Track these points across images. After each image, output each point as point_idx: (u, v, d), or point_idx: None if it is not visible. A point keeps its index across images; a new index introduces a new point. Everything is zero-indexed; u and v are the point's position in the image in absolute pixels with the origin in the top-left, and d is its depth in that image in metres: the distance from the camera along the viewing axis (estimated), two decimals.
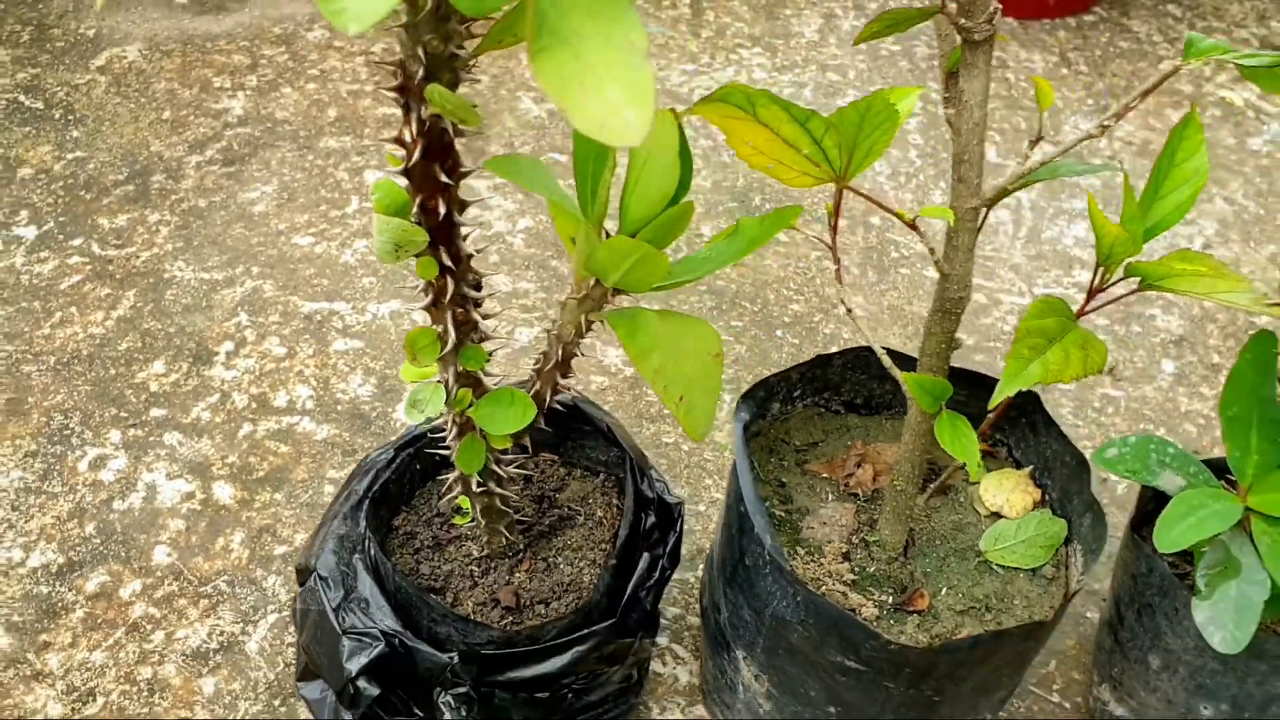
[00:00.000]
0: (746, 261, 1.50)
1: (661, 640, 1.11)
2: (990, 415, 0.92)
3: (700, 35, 1.87)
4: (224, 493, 1.20)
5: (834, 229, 0.89)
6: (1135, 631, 0.96)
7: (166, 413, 1.27)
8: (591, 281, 0.75)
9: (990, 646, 0.82)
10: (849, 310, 0.90)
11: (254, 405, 1.29)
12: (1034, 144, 0.77)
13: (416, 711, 0.92)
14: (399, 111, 0.68)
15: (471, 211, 1.54)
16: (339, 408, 1.29)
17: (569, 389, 1.05)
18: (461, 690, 0.88)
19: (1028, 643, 0.84)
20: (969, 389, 0.97)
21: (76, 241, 1.46)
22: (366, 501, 0.96)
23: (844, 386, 1.03)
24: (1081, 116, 1.72)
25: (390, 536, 0.99)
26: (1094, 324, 1.43)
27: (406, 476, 1.01)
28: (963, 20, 0.67)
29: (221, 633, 1.09)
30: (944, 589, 0.91)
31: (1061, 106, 1.74)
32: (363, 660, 0.87)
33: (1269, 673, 0.88)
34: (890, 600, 0.90)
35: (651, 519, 0.98)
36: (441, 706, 0.89)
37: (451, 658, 0.87)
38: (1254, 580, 0.83)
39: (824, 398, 1.04)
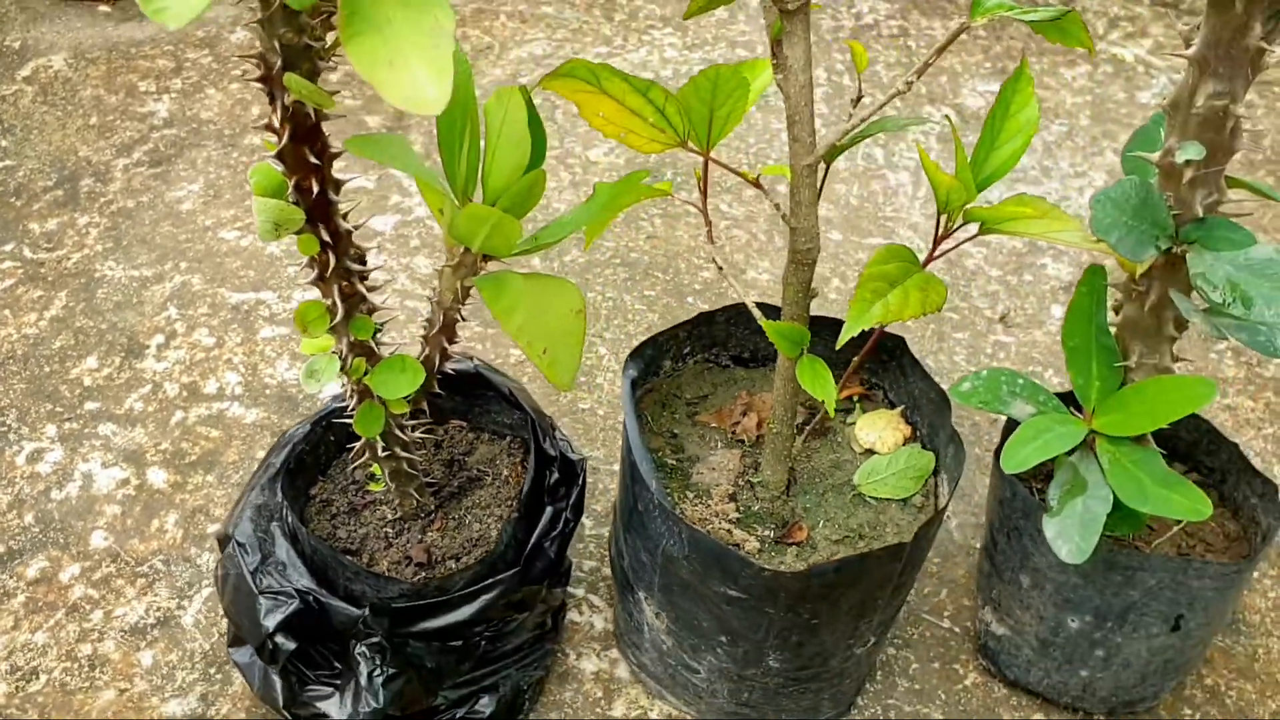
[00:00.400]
0: (659, 233, 1.56)
1: (579, 591, 1.17)
2: (856, 359, 0.98)
3: (613, 19, 1.92)
4: (158, 478, 1.26)
5: (704, 193, 0.96)
6: (1007, 554, 1.03)
7: (100, 405, 1.33)
8: (461, 249, 0.81)
9: (855, 568, 0.89)
10: (720, 268, 0.97)
11: (185, 394, 1.34)
12: (855, 102, 0.83)
13: (336, 665, 0.98)
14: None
15: (394, 198, 1.60)
16: (267, 392, 1.35)
17: (471, 357, 1.11)
18: (374, 640, 0.94)
19: (892, 564, 0.91)
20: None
21: (8, 247, 1.51)
22: (282, 472, 1.02)
23: (730, 342, 1.10)
24: (979, 79, 1.79)
25: (308, 504, 1.05)
26: (989, 275, 1.50)
27: (322, 448, 1.07)
28: None
29: (158, 608, 1.15)
30: (821, 522, 0.98)
31: (960, 70, 1.81)
32: (278, 617, 0.93)
33: (1123, 583, 0.96)
34: (771, 534, 0.97)
35: (555, 476, 1.05)
36: (357, 657, 0.95)
37: (363, 611, 0.93)
38: (1098, 496, 0.90)
39: (713, 353, 1.10)
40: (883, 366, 1.07)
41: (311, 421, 1.07)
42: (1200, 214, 0.83)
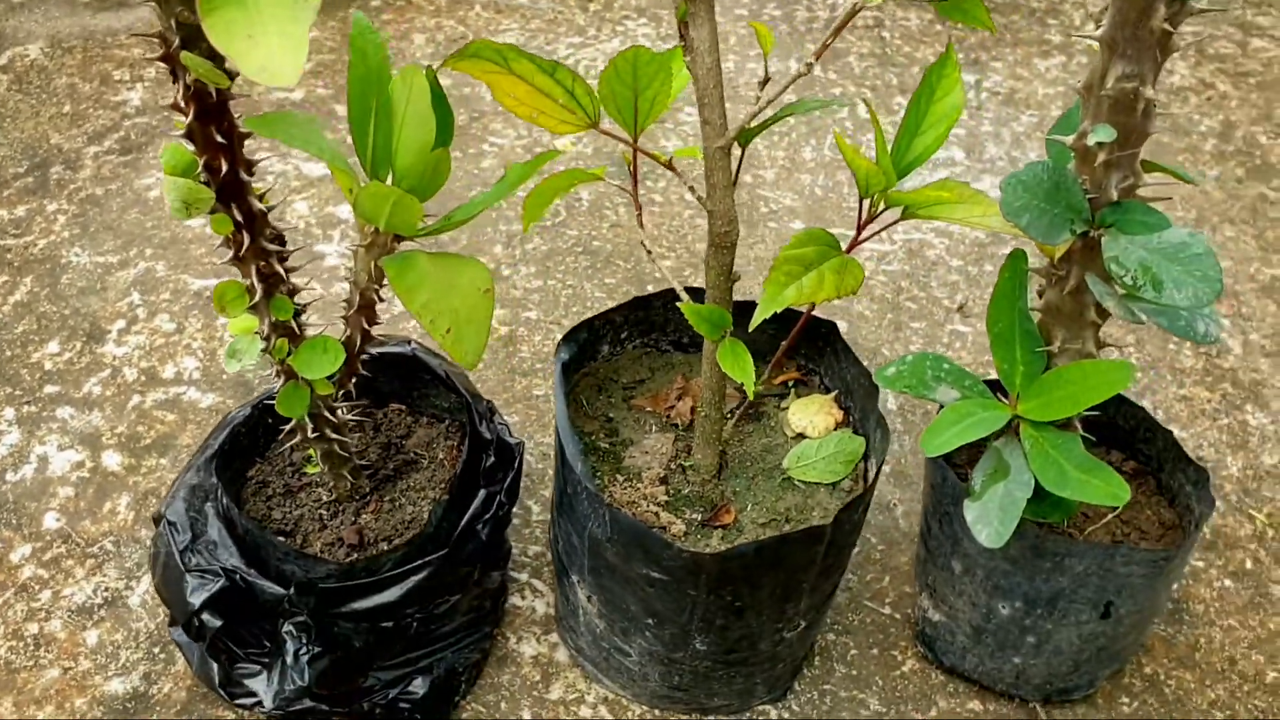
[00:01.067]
0: (622, 221, 1.56)
1: (522, 575, 1.17)
2: (783, 344, 0.98)
3: (588, 9, 1.93)
4: (112, 460, 1.27)
5: (634, 176, 0.96)
6: (939, 540, 1.03)
7: (59, 389, 1.34)
8: (373, 229, 0.81)
9: (774, 551, 0.89)
10: (649, 253, 0.97)
11: (143, 378, 1.36)
12: (763, 84, 0.83)
13: (266, 644, 0.99)
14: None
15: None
16: (224, 377, 1.36)
17: (410, 341, 1.12)
18: (300, 620, 0.95)
19: (812, 547, 0.91)
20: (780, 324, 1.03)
21: None
22: (218, 453, 1.03)
23: (669, 327, 1.10)
24: None
25: (245, 485, 1.05)
26: (949, 265, 1.50)
27: (261, 430, 1.08)
28: None
29: (106, 589, 1.16)
30: (750, 505, 0.98)
31: (933, 59, 1.80)
32: (204, 595, 0.94)
33: (1052, 570, 0.96)
34: (699, 518, 0.97)
35: (491, 459, 1.05)
36: (284, 636, 0.96)
37: (289, 591, 0.94)
38: (1020, 480, 0.90)
39: (652, 338, 1.11)
40: (819, 352, 1.07)
41: (254, 405, 1.08)
42: (1115, 197, 0.82)
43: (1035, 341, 0.92)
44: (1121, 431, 1.07)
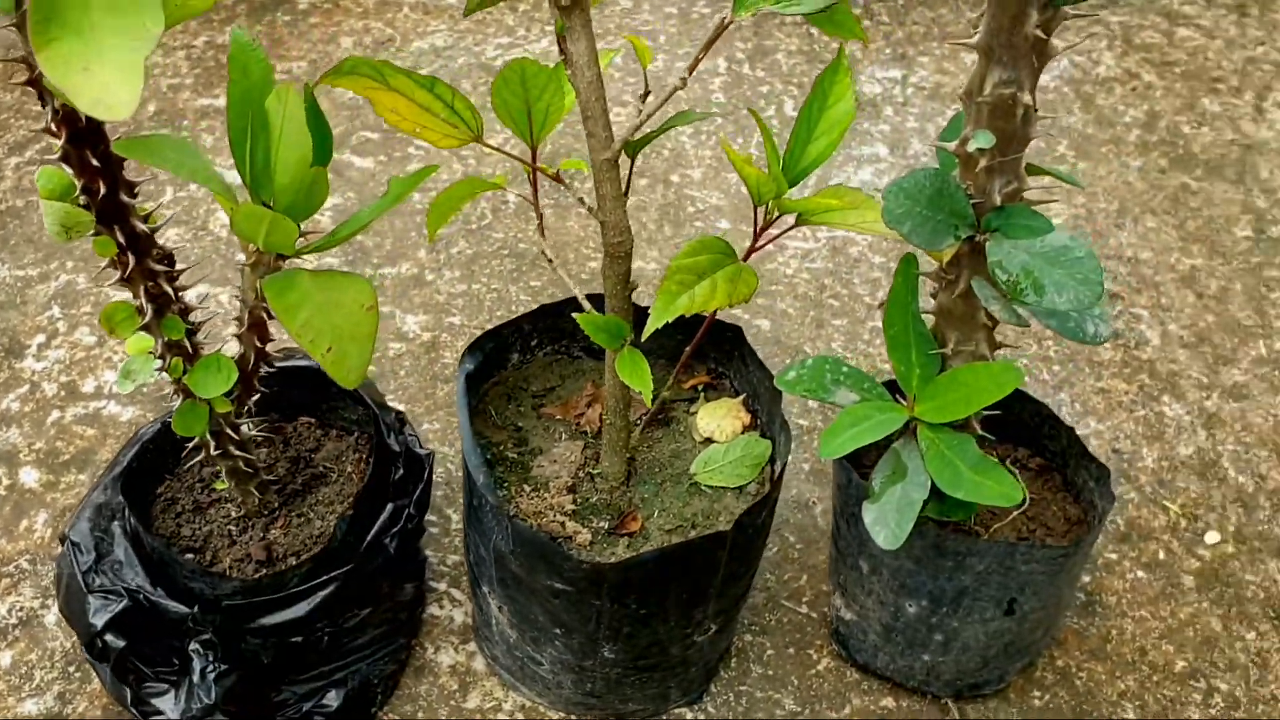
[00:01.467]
0: (549, 224, 1.56)
1: (440, 585, 1.17)
2: (687, 350, 0.99)
3: (517, 9, 1.92)
4: (30, 477, 1.26)
5: (534, 185, 0.96)
6: (848, 539, 1.04)
7: None
8: (255, 248, 0.81)
9: (675, 558, 0.89)
10: (549, 260, 0.97)
11: (63, 393, 1.34)
12: (643, 98, 0.83)
13: (174, 662, 0.98)
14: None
15: None
16: (145, 390, 1.35)
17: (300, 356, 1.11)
18: (206, 637, 0.94)
19: (715, 552, 0.91)
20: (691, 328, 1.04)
21: None
22: (125, 471, 1.02)
23: (580, 333, 1.10)
24: (879, 66, 1.79)
25: (154, 503, 1.05)
26: (871, 261, 1.51)
27: (171, 445, 1.07)
28: None
29: (21, 608, 1.15)
30: (657, 512, 0.98)
31: (860, 57, 1.81)
32: (106, 615, 0.94)
33: (954, 569, 0.97)
34: (606, 526, 0.97)
35: (400, 472, 1.05)
36: (190, 654, 0.95)
37: (193, 609, 0.94)
38: (917, 482, 0.91)
39: (563, 345, 1.11)
40: (728, 356, 1.08)
41: (163, 419, 1.07)
42: (999, 202, 0.83)
43: (930, 344, 0.93)
44: (1027, 429, 1.08)
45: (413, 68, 1.77)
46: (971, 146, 0.80)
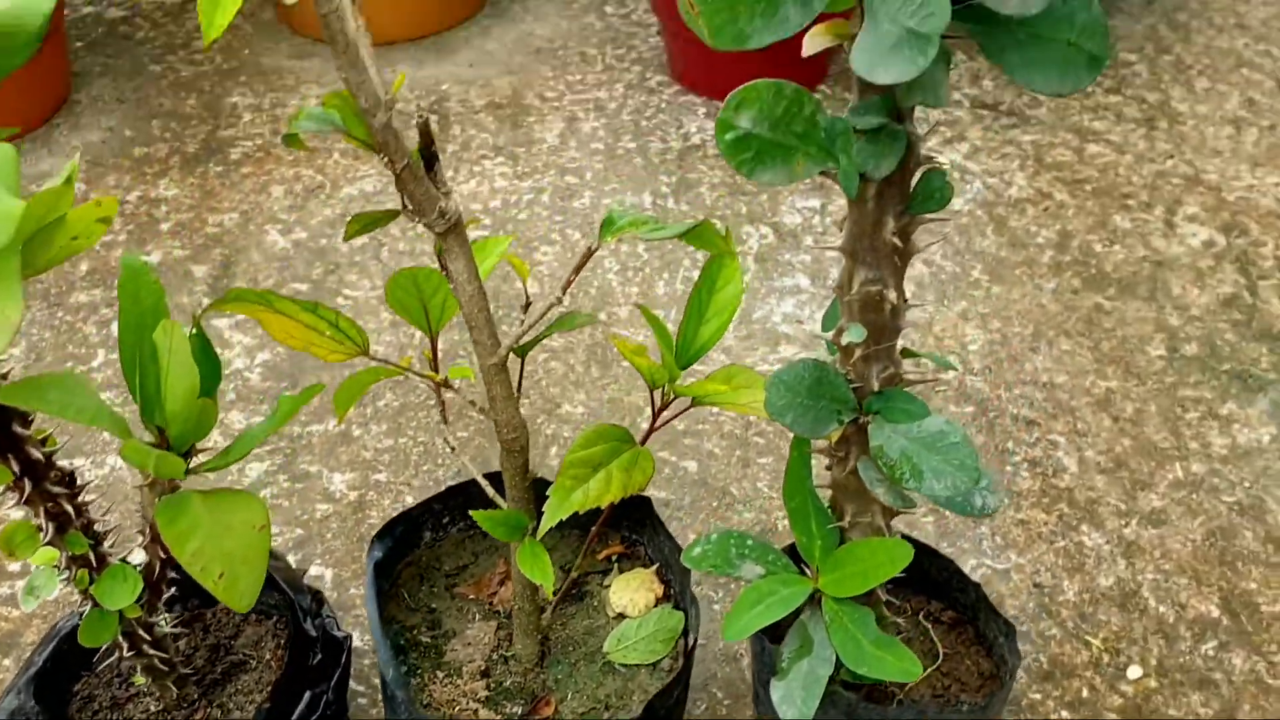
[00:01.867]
0: (477, 373, 1.58)
1: None
2: (594, 529, 1.00)
3: (445, 150, 1.96)
4: None
5: (435, 367, 0.98)
6: (766, 705, 1.04)
7: None
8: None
9: None
10: (452, 449, 0.99)
11: None
12: (525, 307, 0.86)
13: None
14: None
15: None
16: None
17: None
18: None
19: None
20: None
21: None
22: (38, 674, 1.02)
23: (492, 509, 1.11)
24: (799, 196, 1.84)
25: (71, 702, 1.04)
26: None
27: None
28: (421, 219, 0.76)
29: None
30: (571, 694, 0.99)
31: (780, 188, 1.86)
32: None
33: None
34: (519, 711, 0.97)
35: (319, 656, 1.05)
36: None
37: None
38: (823, 656, 0.92)
39: (473, 522, 1.12)
40: (641, 523, 1.09)
41: (81, 613, 1.07)
42: (877, 387, 0.86)
43: (828, 517, 0.95)
44: (937, 582, 1.09)
45: (342, 215, 1.80)
46: (845, 340, 0.83)
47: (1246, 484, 1.41)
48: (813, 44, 0.73)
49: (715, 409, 1.44)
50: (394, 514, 1.33)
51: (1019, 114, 2.01)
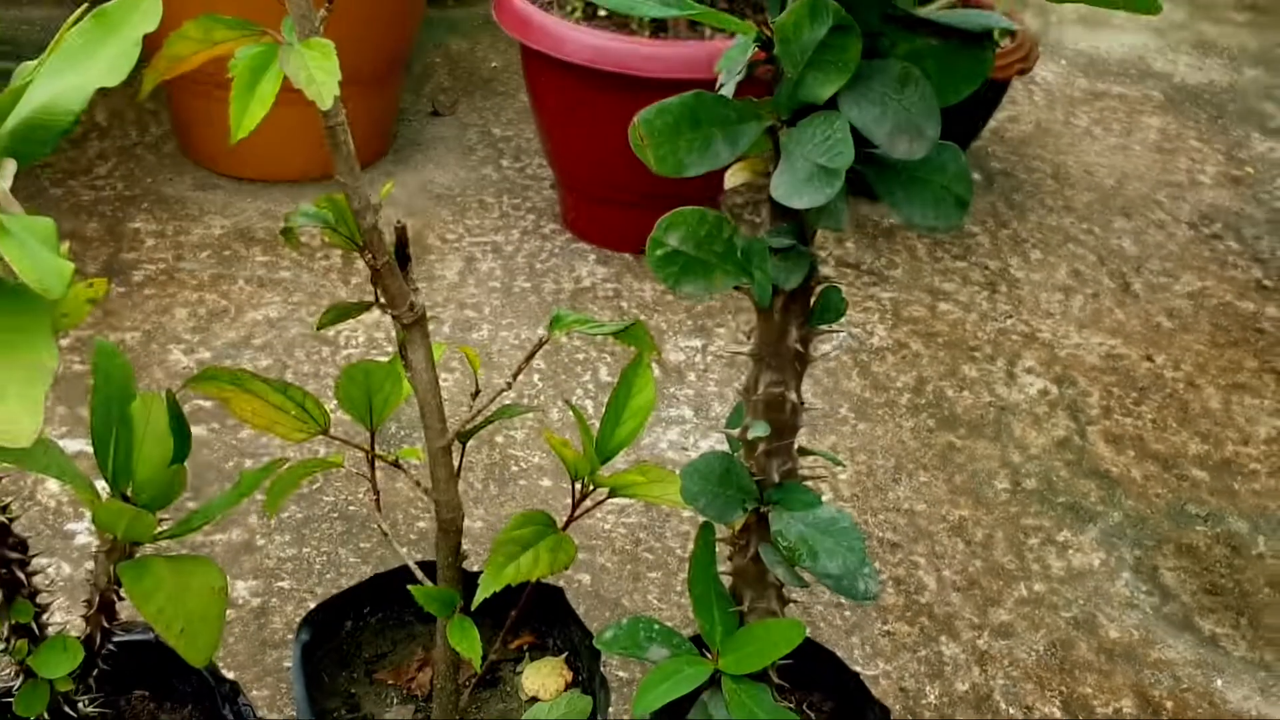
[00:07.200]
0: (380, 485, 1.64)
1: None
2: (513, 612, 1.08)
3: (350, 282, 2.06)
4: None
5: (371, 464, 1.06)
6: None
7: None
8: (111, 536, 0.88)
9: None
10: (385, 534, 1.06)
11: None
12: (474, 395, 0.96)
13: None
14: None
15: None
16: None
17: (151, 628, 1.15)
18: None
19: None
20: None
21: None
22: None
23: (410, 599, 1.18)
24: (682, 335, 1.99)
25: None
26: (681, 515, 1.64)
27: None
28: (392, 311, 0.86)
29: None
30: None
31: (665, 328, 2.01)
32: None
33: None
34: None
35: None
36: None
37: None
38: None
39: (394, 610, 1.18)
40: (551, 616, 1.17)
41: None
42: (777, 480, 0.98)
43: (729, 602, 1.05)
44: (821, 674, 1.20)
45: (246, 338, 1.87)
46: (750, 435, 0.95)
47: (1081, 601, 1.57)
48: (733, 179, 0.87)
49: (613, 516, 1.54)
50: (298, 620, 1.37)
51: (878, 274, 2.23)
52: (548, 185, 2.42)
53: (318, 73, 0.66)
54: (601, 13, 2.15)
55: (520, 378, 1.88)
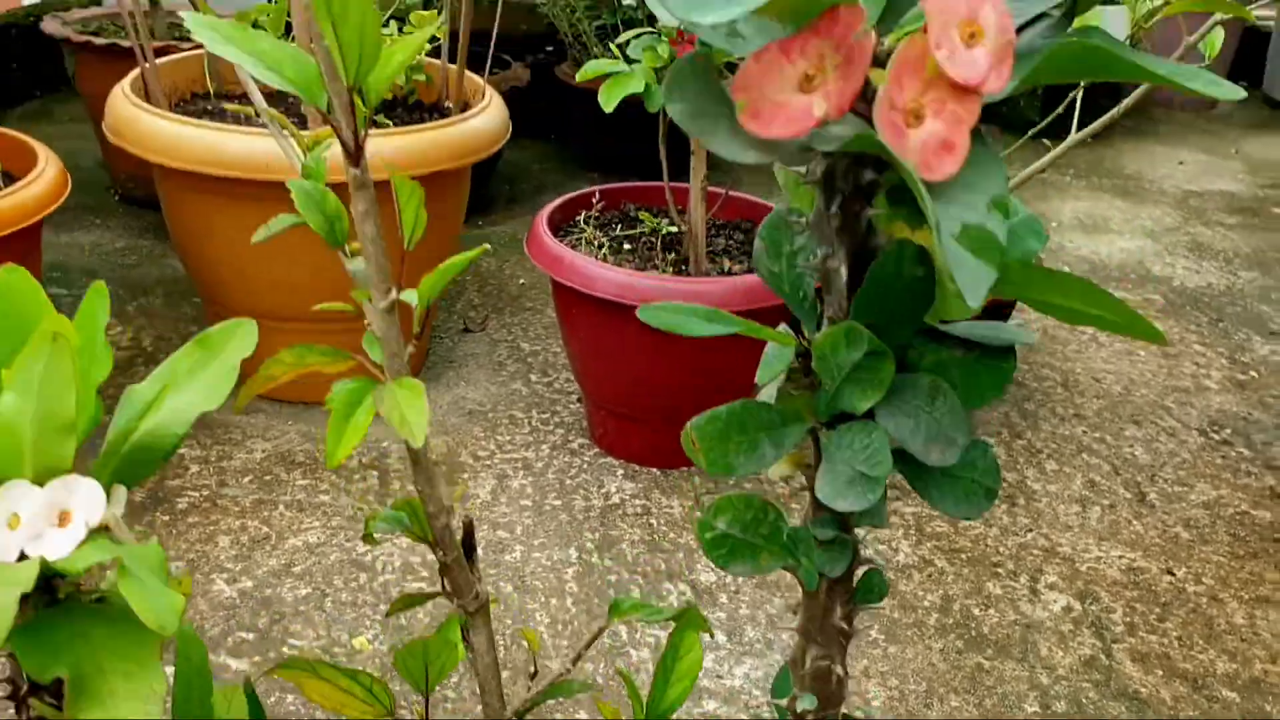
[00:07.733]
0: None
1: None
2: None
3: (385, 505, 2.12)
4: None
5: None
6: None
7: None
8: None
9: None
10: None
11: None
12: (532, 676, 1.01)
13: None
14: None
15: None
16: None
17: None
18: None
19: None
20: None
21: None
22: None
23: None
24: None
25: None
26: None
27: None
28: (458, 600, 0.91)
29: None
30: None
31: (695, 548, 2.05)
32: None
33: None
34: None
35: None
36: None
37: None
38: None
39: None
40: None
41: None
42: None
43: None
44: None
45: (287, 565, 1.92)
46: (799, 707, 0.99)
47: None
48: (777, 471, 0.94)
49: None
50: None
51: (900, 487, 2.28)
52: (574, 399, 2.50)
53: (409, 412, 0.74)
54: (626, 246, 2.28)
55: (552, 600, 1.92)
